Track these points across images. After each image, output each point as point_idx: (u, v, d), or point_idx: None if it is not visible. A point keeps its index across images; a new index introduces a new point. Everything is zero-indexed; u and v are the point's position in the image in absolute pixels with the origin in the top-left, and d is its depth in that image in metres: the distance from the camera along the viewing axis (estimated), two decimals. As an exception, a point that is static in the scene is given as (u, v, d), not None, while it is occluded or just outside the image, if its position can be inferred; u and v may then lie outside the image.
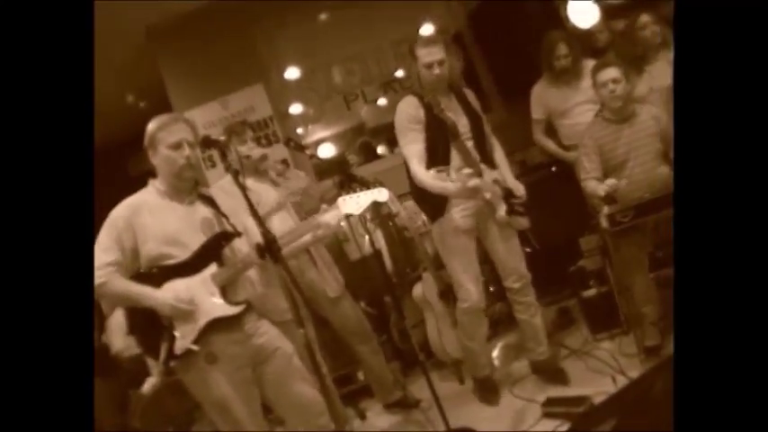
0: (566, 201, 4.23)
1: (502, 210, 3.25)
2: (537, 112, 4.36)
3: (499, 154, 3.45)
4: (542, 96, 4.29)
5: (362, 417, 3.82)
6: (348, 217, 2.54)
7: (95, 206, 2.76)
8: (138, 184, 2.61)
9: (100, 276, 2.36)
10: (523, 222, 3.36)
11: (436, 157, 3.17)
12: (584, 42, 4.33)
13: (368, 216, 4.09)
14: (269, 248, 2.17)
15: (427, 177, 3.07)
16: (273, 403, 2.62)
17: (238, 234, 2.59)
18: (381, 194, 2.56)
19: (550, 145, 4.39)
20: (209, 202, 2.63)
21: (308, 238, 2.64)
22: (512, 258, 3.39)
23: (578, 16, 4.42)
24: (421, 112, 3.19)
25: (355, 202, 2.52)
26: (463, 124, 3.25)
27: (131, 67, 5.76)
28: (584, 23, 4.40)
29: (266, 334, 2.57)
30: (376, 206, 3.34)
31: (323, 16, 5.75)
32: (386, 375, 3.76)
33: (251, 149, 3.32)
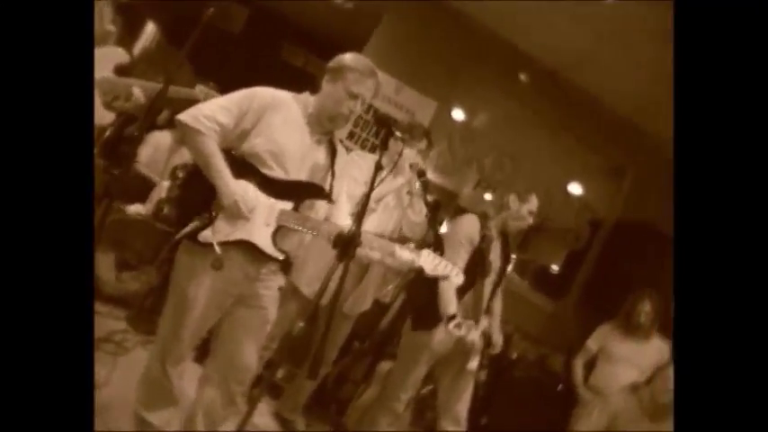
0: (546, 420, 4.23)
1: (474, 363, 3.31)
2: (592, 343, 4.43)
3: (499, 304, 3.58)
4: (606, 334, 4.39)
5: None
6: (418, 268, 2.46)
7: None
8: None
9: (202, 125, 2.29)
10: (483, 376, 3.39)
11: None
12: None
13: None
14: (346, 242, 2.09)
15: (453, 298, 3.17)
16: (217, 340, 2.57)
17: (329, 199, 2.51)
18: (458, 277, 2.50)
19: (578, 376, 4.41)
20: (332, 153, 2.57)
21: (376, 255, 2.57)
22: (458, 401, 3.38)
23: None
24: (477, 238, 3.34)
25: (433, 264, 2.45)
26: (495, 267, 3.42)
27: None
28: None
29: (269, 290, 2.52)
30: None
31: (521, 111, 5.85)
32: (304, 395, 3.73)
33: (413, 158, 3.32)
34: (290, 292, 3.39)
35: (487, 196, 6.00)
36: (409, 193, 3.46)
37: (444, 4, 5.57)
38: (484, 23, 5.58)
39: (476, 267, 3.26)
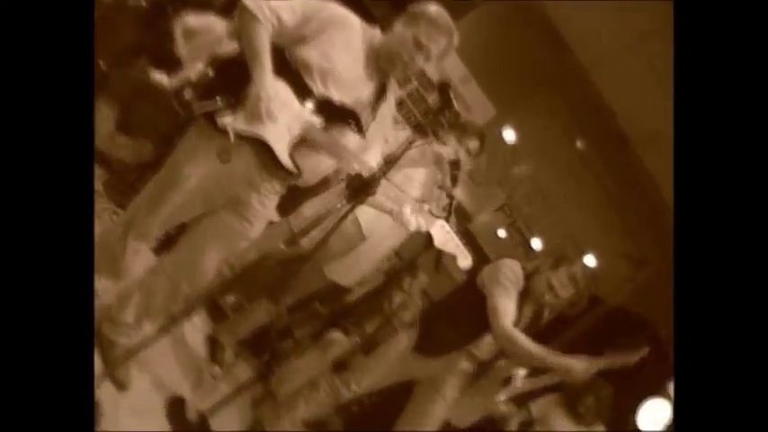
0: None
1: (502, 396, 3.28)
2: (534, 408, 4.36)
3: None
4: (551, 404, 4.35)
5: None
6: (429, 238, 2.45)
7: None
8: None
9: (263, 14, 2.27)
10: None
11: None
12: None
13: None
14: (362, 185, 2.08)
15: (524, 338, 3.09)
16: (186, 234, 2.59)
17: (362, 133, 2.48)
18: (466, 261, 2.50)
19: None
20: (379, 95, 2.54)
21: (387, 205, 2.55)
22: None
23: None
24: (521, 280, 3.25)
25: (445, 237, 2.43)
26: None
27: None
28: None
29: (263, 207, 2.50)
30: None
31: (574, 159, 5.85)
32: (245, 330, 3.75)
33: (455, 150, 3.30)
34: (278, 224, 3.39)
35: (501, 233, 6.01)
36: (440, 188, 3.46)
37: (548, 24, 5.56)
38: (578, 59, 5.57)
39: None
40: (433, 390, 3.37)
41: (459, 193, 5.70)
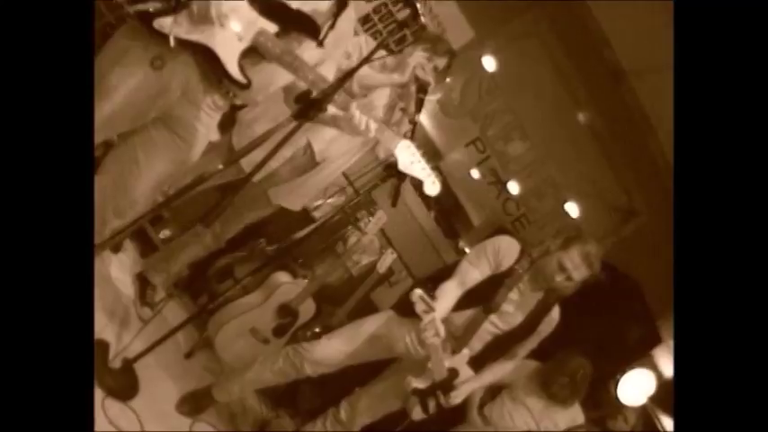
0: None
1: (418, 383, 3.24)
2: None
3: (500, 370, 3.54)
4: (525, 375, 4.33)
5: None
6: (393, 163, 2.45)
7: None
8: None
9: None
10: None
11: (467, 298, 3.22)
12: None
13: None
14: (312, 101, 2.04)
15: (448, 305, 3.11)
16: (113, 154, 2.58)
17: (320, 42, 2.46)
18: (433, 188, 2.50)
19: (476, 399, 4.28)
20: (340, 5, 2.50)
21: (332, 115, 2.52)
22: (370, 414, 3.63)
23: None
24: (508, 262, 3.23)
25: (411, 158, 2.42)
26: (512, 321, 3.31)
27: None
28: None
29: (202, 126, 2.48)
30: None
31: (561, 92, 5.91)
32: (177, 265, 3.72)
33: (422, 66, 3.27)
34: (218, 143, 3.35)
35: (474, 173, 6.03)
36: (403, 110, 3.44)
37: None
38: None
39: (483, 293, 3.21)
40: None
41: (430, 128, 5.74)
